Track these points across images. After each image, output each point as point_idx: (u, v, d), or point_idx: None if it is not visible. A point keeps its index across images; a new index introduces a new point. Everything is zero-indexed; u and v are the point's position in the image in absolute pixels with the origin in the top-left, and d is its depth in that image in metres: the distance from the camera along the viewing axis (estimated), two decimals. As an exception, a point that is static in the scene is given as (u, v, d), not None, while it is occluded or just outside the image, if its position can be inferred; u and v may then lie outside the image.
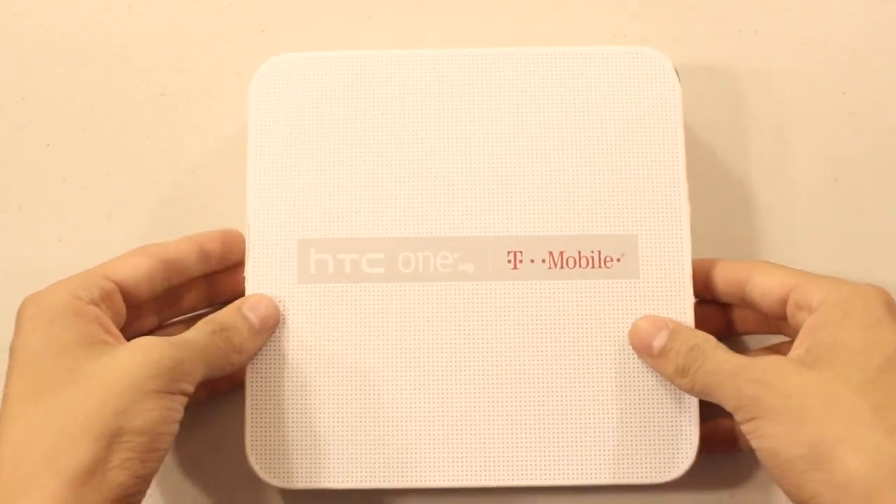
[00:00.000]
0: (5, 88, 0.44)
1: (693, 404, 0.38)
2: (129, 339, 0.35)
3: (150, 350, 0.33)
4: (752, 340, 0.42)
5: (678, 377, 0.36)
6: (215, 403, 0.42)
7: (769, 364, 0.34)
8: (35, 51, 0.45)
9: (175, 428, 0.34)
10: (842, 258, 0.43)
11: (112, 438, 0.32)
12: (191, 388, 0.34)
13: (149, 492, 0.35)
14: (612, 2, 0.45)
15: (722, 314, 0.41)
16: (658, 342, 0.37)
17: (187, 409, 0.35)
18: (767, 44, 0.45)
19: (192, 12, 0.45)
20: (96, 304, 0.35)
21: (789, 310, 0.36)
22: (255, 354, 0.38)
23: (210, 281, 0.41)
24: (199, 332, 0.36)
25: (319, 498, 0.41)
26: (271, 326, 0.38)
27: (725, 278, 0.38)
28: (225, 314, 0.37)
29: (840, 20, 0.45)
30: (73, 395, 0.32)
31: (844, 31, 0.45)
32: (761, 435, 0.32)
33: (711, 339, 0.36)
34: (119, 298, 0.36)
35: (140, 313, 0.39)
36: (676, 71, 0.40)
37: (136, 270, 0.37)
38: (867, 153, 0.44)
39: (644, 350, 0.37)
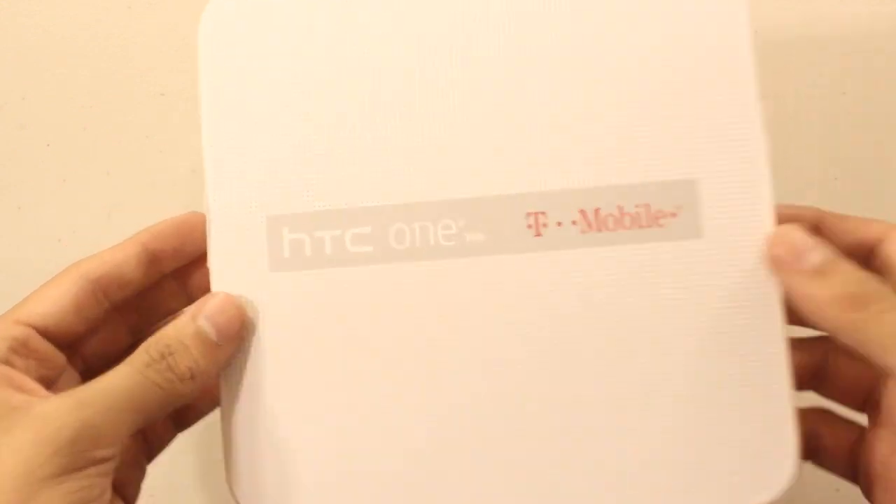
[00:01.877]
0: (5, 88, 0.44)
1: (788, 401, 0.29)
2: (87, 372, 0.31)
3: (47, 421, 0.27)
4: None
5: (845, 310, 0.27)
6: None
7: None
8: (35, 51, 0.45)
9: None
10: (842, 258, 0.43)
11: None
12: (111, 452, 0.28)
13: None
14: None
15: None
16: (817, 254, 0.28)
17: (159, 448, 0.32)
18: (767, 44, 0.45)
19: (192, 12, 0.45)
20: (9, 362, 0.29)
21: None
22: (219, 373, 0.31)
23: (182, 278, 0.34)
24: (129, 369, 0.29)
25: None
26: (235, 335, 0.31)
27: (847, 229, 0.31)
28: (172, 331, 0.30)
29: (840, 20, 0.45)
30: None
31: (844, 31, 0.45)
32: None
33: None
34: (39, 343, 0.30)
35: (90, 342, 0.32)
36: None
37: (59, 303, 0.30)
38: (867, 153, 0.44)
39: (792, 261, 0.28)
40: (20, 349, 0.30)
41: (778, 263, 0.29)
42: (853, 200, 0.43)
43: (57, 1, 0.45)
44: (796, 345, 0.30)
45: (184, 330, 0.30)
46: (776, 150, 0.45)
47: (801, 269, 0.28)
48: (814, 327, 0.29)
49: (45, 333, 0.30)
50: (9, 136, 0.44)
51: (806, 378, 0.32)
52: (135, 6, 0.45)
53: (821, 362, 0.32)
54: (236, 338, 0.31)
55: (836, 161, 0.44)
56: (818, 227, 0.31)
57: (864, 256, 0.30)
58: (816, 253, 0.28)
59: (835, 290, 0.27)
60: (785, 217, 0.30)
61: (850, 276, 0.27)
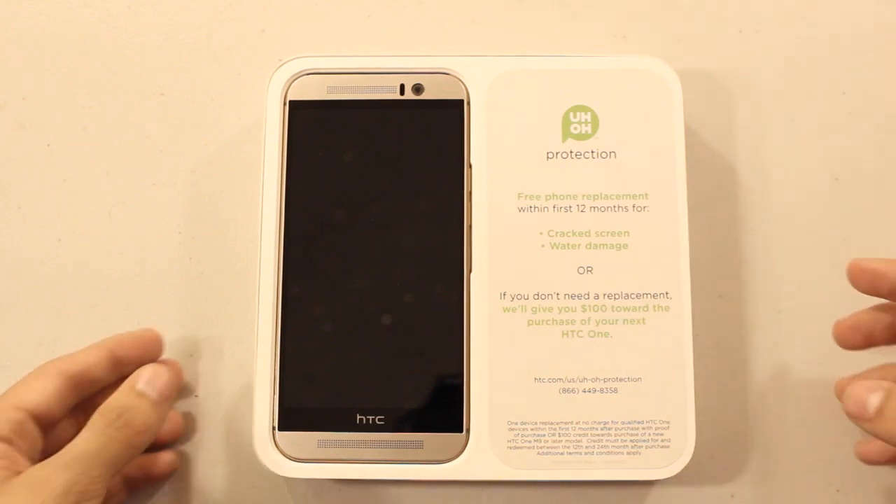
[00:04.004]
0: (5, 88, 0.44)
1: (689, 397, 0.38)
2: (49, 452, 0.35)
3: (37, 486, 0.32)
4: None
5: None
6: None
7: None
8: (35, 51, 0.45)
9: None
10: (842, 258, 0.43)
11: None
12: (98, 501, 0.33)
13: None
14: (612, 2, 0.45)
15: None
16: (874, 400, 0.33)
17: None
18: (767, 44, 0.45)
19: (193, 12, 0.45)
20: (7, 441, 0.35)
21: None
22: (162, 426, 0.37)
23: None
24: (92, 433, 0.34)
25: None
26: (171, 393, 0.37)
27: None
28: (119, 398, 0.36)
29: (840, 20, 0.45)
30: None
31: (844, 31, 0.45)
32: None
33: None
34: (31, 426, 0.36)
35: (58, 429, 0.38)
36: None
37: (44, 394, 0.36)
38: (867, 153, 0.44)
39: (860, 413, 0.33)
40: (18, 430, 0.35)
41: (853, 418, 0.34)
42: (853, 200, 0.43)
43: (57, 1, 0.45)
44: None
45: (128, 396, 0.36)
46: (777, 149, 0.45)
47: (869, 417, 0.33)
48: None
49: (35, 418, 0.36)
50: (9, 136, 0.44)
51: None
52: (135, 6, 0.45)
53: None
54: (175, 396, 0.37)
55: (836, 161, 0.44)
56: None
57: None
58: (874, 397, 0.33)
59: (887, 425, 0.32)
60: (872, 274, 0.36)
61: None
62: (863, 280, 0.36)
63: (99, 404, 0.37)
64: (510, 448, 0.38)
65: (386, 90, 0.40)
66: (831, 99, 0.44)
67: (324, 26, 0.45)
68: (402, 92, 0.40)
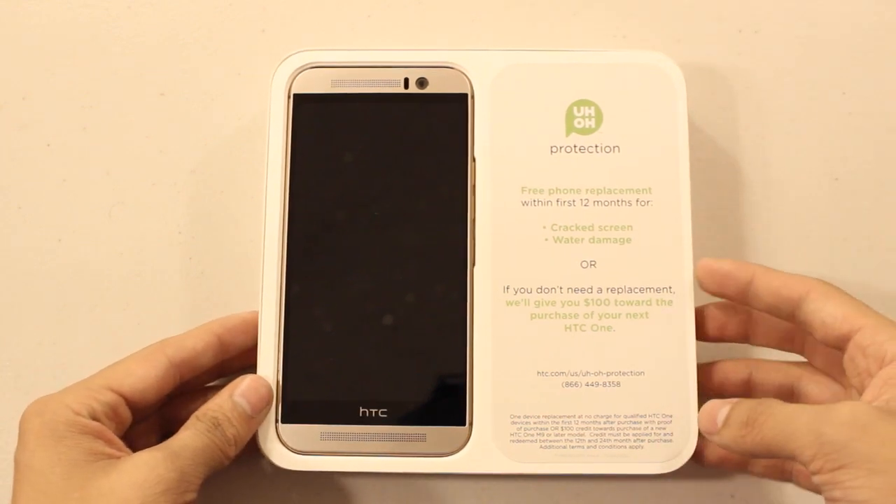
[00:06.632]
0: (5, 88, 0.44)
1: (692, 391, 0.38)
2: (132, 437, 0.36)
3: (156, 466, 0.33)
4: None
5: (743, 431, 0.33)
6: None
7: (853, 409, 0.31)
8: (35, 51, 0.45)
9: None
10: (842, 258, 0.43)
11: None
12: (193, 497, 0.34)
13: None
14: (613, 1, 0.45)
15: (745, 321, 0.39)
16: (723, 413, 0.34)
17: None
18: (767, 44, 0.45)
19: (193, 12, 0.45)
20: (99, 419, 0.35)
21: (850, 352, 0.35)
22: (247, 442, 0.37)
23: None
24: (194, 433, 0.35)
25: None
26: (264, 409, 0.37)
27: (773, 289, 0.36)
28: (216, 406, 0.36)
29: (840, 20, 0.45)
30: None
31: (844, 31, 0.45)
32: (851, 486, 0.30)
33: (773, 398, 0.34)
34: (124, 410, 0.36)
35: (146, 412, 0.38)
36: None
37: (145, 381, 0.36)
38: (867, 153, 0.44)
39: (711, 428, 0.35)
40: (110, 413, 0.35)
41: (706, 433, 0.35)
42: (853, 200, 0.43)
43: (57, 1, 0.45)
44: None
45: (225, 406, 0.36)
46: (777, 149, 0.45)
47: (717, 430, 0.34)
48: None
49: (129, 403, 0.36)
50: (9, 136, 0.44)
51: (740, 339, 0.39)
52: (135, 6, 0.45)
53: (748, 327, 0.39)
54: (265, 412, 0.37)
55: (836, 161, 0.44)
56: (751, 284, 0.36)
57: (791, 312, 0.36)
58: (723, 411, 0.34)
59: (732, 430, 0.34)
60: (720, 275, 0.37)
61: (740, 409, 0.34)
62: (711, 281, 0.37)
63: (191, 384, 0.38)
64: (513, 441, 0.38)
65: (390, 84, 0.40)
66: (831, 99, 0.44)
67: (324, 26, 0.45)
68: (406, 86, 0.40)
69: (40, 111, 0.44)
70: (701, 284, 0.38)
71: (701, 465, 0.39)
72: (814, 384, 0.38)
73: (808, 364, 0.39)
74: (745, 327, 0.39)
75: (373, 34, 0.45)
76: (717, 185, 0.43)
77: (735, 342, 0.39)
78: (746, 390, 0.39)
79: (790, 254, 0.43)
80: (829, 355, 0.37)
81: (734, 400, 0.35)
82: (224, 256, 0.43)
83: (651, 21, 0.45)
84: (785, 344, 0.39)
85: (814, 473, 0.31)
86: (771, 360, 0.39)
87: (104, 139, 0.44)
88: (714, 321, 0.39)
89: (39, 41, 0.45)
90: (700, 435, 0.37)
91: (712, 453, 0.39)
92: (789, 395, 0.38)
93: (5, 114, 0.44)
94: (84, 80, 0.45)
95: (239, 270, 0.42)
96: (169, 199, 0.43)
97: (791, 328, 0.38)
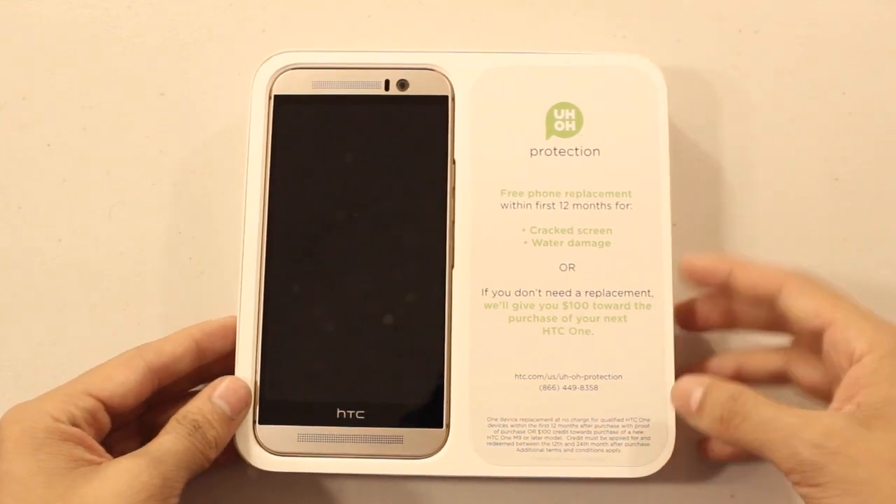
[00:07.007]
0: (5, 88, 0.45)
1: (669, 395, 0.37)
2: (110, 444, 0.36)
3: (139, 473, 0.33)
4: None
5: (720, 427, 0.34)
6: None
7: (827, 426, 0.32)
8: (35, 51, 0.45)
9: None
10: (841, 258, 0.43)
11: None
12: (178, 501, 0.34)
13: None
14: (612, 1, 0.45)
15: (730, 309, 0.40)
16: (696, 395, 0.35)
17: None
18: (767, 44, 0.45)
19: (192, 12, 0.45)
20: (79, 425, 0.34)
21: (825, 346, 0.35)
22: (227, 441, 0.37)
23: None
24: (175, 437, 0.35)
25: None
26: (243, 411, 0.37)
27: (751, 283, 0.37)
28: (196, 409, 0.36)
29: (840, 20, 0.45)
30: None
31: (844, 31, 0.45)
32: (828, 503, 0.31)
33: (749, 389, 0.35)
34: (103, 415, 0.36)
35: (125, 419, 0.38)
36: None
37: (125, 386, 0.36)
38: (867, 153, 0.44)
39: (685, 408, 0.36)
40: (90, 419, 0.35)
41: (679, 412, 0.36)
42: (853, 200, 0.43)
43: (57, 1, 0.45)
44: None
45: (205, 408, 0.36)
46: (777, 149, 0.45)
47: (692, 412, 0.35)
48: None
49: (108, 409, 0.36)
50: (9, 136, 0.44)
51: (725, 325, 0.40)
52: (135, 6, 0.45)
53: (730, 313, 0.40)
54: (244, 413, 0.37)
55: (836, 161, 0.43)
56: (730, 277, 0.37)
57: (769, 304, 0.36)
58: (696, 392, 0.35)
59: (706, 420, 0.35)
60: (701, 271, 0.38)
61: (715, 401, 0.34)
62: (693, 277, 0.38)
63: (169, 390, 0.38)
64: (490, 444, 0.37)
65: (371, 86, 0.40)
66: (831, 99, 0.44)
67: (324, 26, 0.45)
68: (386, 87, 0.40)
69: (40, 111, 0.44)
70: (684, 281, 0.38)
71: (706, 459, 0.39)
72: (803, 366, 0.38)
73: (796, 346, 0.39)
74: (730, 315, 0.39)
75: (373, 34, 0.45)
76: (702, 184, 0.43)
77: (722, 330, 0.40)
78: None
79: (790, 255, 0.42)
80: (814, 337, 0.37)
81: (707, 379, 0.35)
82: (224, 256, 0.43)
83: (651, 21, 0.45)
84: (772, 328, 0.39)
85: (793, 483, 0.33)
86: (757, 349, 0.39)
87: (104, 139, 0.44)
88: (700, 311, 0.39)
89: (39, 41, 0.45)
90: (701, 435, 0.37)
91: (721, 450, 0.39)
92: (781, 379, 0.39)
93: (5, 114, 0.44)
94: (84, 80, 0.45)
95: (239, 270, 0.42)
96: (169, 199, 0.43)
97: (776, 313, 0.38)
